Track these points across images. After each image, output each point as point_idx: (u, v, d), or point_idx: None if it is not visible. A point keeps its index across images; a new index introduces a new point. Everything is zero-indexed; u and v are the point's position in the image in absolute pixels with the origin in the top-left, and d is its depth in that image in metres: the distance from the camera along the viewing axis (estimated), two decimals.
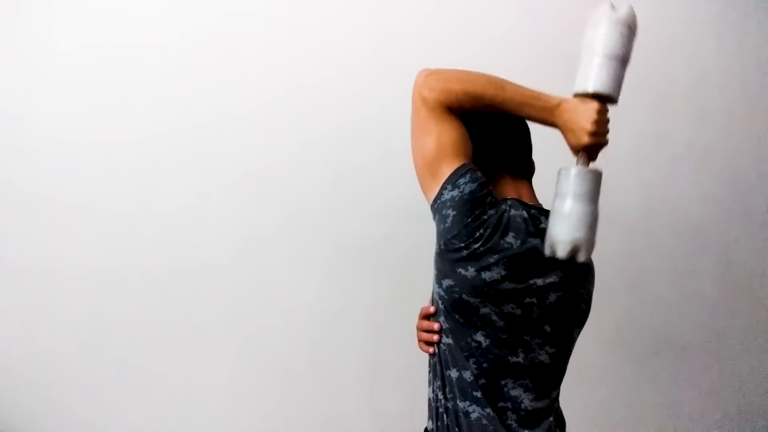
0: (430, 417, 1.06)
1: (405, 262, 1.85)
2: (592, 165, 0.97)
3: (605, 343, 2.01)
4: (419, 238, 1.85)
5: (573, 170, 0.93)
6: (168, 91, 1.72)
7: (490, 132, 1.08)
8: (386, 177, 1.84)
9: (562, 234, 0.91)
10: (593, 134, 0.93)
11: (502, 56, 1.90)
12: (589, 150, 0.95)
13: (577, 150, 0.96)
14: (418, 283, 1.84)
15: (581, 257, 0.91)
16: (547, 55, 1.98)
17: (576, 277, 1.03)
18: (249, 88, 1.77)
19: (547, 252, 0.93)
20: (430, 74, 1.01)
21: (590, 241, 0.92)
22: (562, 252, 0.90)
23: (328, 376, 1.81)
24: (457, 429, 0.97)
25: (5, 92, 1.64)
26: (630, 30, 0.95)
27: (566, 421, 1.10)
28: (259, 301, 1.77)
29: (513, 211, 0.98)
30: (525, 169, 1.10)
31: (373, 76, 1.84)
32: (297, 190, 1.79)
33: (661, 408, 2.09)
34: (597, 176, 0.93)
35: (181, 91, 1.73)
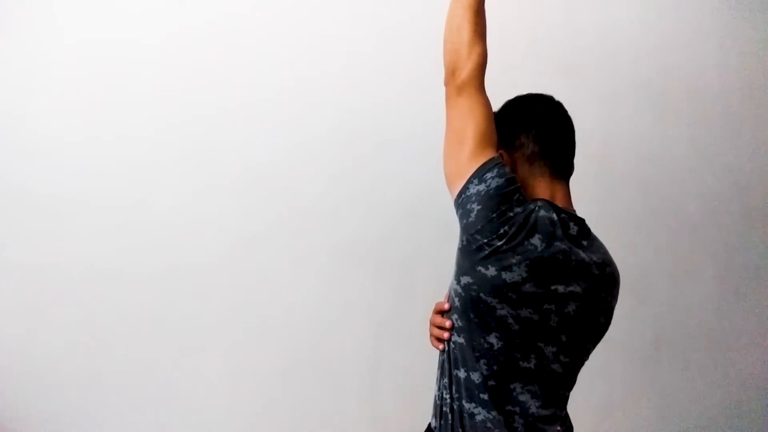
0: (434, 415, 1.04)
1: (405, 261, 1.85)
2: None
3: (605, 343, 1.99)
4: (419, 238, 1.85)
5: None
6: (165, 88, 1.71)
7: (542, 120, 1.05)
8: (386, 177, 1.84)
9: None
10: None
11: (500, 50, 1.89)
12: None
13: None
14: (418, 283, 1.84)
15: None
16: (544, 53, 1.98)
17: (599, 289, 0.99)
18: (248, 85, 1.77)
19: None
20: (450, 72, 1.03)
21: None
22: None
23: (328, 375, 1.80)
24: (461, 429, 0.96)
25: (5, 89, 1.63)
26: None
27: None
28: (259, 301, 1.76)
29: (542, 213, 0.94)
30: (566, 168, 1.06)
31: (373, 74, 1.84)
32: (297, 190, 1.79)
33: (661, 408, 2.09)
34: None
35: (178, 89, 1.72)
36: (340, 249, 1.81)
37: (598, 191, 2.02)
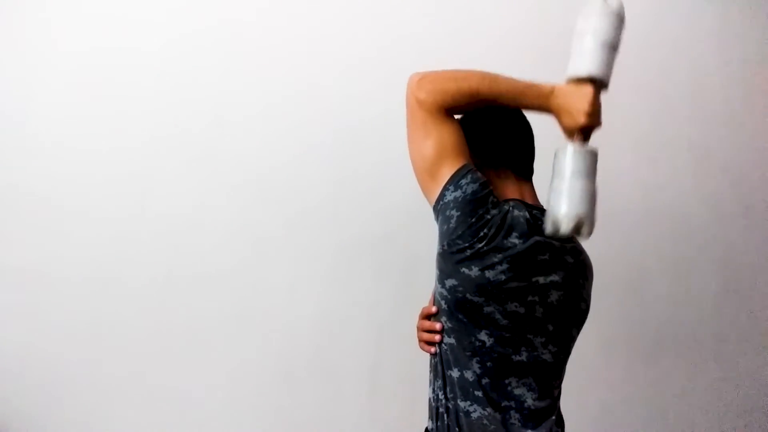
0: (430, 417, 1.06)
1: (405, 262, 1.85)
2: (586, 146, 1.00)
3: (605, 343, 2.01)
4: (419, 239, 1.85)
5: (570, 148, 0.96)
6: (168, 94, 1.72)
7: (501, 129, 1.09)
8: (387, 178, 1.84)
9: (564, 209, 0.92)
10: (590, 114, 0.97)
11: (502, 58, 1.90)
12: (585, 131, 0.99)
13: (573, 132, 0.99)
14: (419, 283, 1.84)
15: (584, 233, 0.93)
16: (547, 57, 1.98)
17: (576, 276, 1.04)
18: (249, 90, 1.77)
19: (548, 230, 0.94)
20: (423, 77, 1.03)
21: (592, 217, 0.94)
22: (565, 227, 0.92)
23: (329, 376, 1.81)
24: (457, 429, 0.97)
25: (4, 94, 1.64)
26: (620, 20, 1.00)
27: (566, 421, 1.11)
28: (260, 303, 1.77)
29: (516, 212, 0.99)
30: (528, 170, 1.12)
31: (374, 77, 1.84)
32: (297, 191, 1.79)
33: (661, 407, 2.09)
34: (594, 154, 0.97)
35: (180, 94, 1.73)
36: (341, 250, 1.82)
37: (597, 191, 2.02)
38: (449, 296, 0.98)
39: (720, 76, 2.16)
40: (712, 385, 2.13)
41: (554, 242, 1.01)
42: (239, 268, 1.76)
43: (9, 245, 1.63)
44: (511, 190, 1.06)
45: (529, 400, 0.98)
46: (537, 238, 0.98)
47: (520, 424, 0.97)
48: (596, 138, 2.14)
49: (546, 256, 0.99)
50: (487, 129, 1.09)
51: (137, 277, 1.69)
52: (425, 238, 1.86)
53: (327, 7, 1.82)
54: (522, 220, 0.98)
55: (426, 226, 1.85)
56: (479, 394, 0.96)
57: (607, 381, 2.03)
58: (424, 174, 1.02)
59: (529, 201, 1.06)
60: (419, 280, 1.84)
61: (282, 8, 1.80)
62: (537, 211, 1.03)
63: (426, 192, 1.04)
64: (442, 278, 1.00)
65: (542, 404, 1.00)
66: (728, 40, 2.17)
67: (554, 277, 1.00)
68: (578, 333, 1.08)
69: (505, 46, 1.93)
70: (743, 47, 2.19)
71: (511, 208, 0.99)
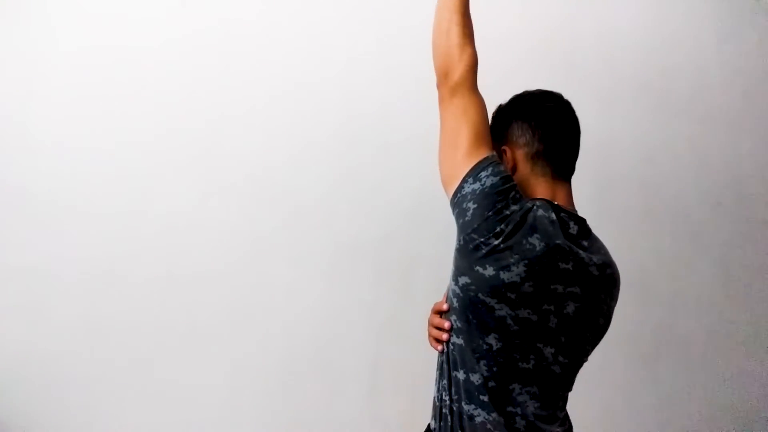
0: (433, 416, 1.04)
1: (405, 262, 1.85)
2: None
3: (605, 343, 1.99)
4: (419, 239, 1.85)
5: None
6: (166, 93, 1.72)
7: (548, 123, 1.02)
8: (386, 177, 1.84)
9: None
10: None
11: (502, 51, 1.90)
12: None
13: None
14: (418, 283, 1.84)
15: None
16: (544, 53, 1.98)
17: (599, 291, 0.98)
18: (248, 89, 1.77)
19: None
20: (440, 75, 1.02)
21: None
22: None
23: (329, 376, 1.81)
24: (460, 431, 0.96)
25: (5, 94, 1.63)
26: None
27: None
28: (259, 302, 1.76)
29: (540, 212, 0.93)
30: (567, 169, 1.04)
31: (373, 77, 1.84)
32: (297, 191, 1.79)
33: (662, 408, 2.09)
34: None
35: (179, 94, 1.72)
36: (340, 250, 1.82)
37: (598, 191, 2.02)
38: (462, 295, 0.95)
39: (720, 76, 2.16)
40: (712, 385, 2.14)
41: (580, 252, 0.95)
42: (239, 267, 1.75)
43: (9, 245, 1.63)
44: (542, 188, 1.00)
45: (532, 408, 0.95)
46: (560, 243, 0.92)
47: (524, 431, 0.94)
48: (596, 138, 2.14)
49: (569, 266, 0.93)
50: (535, 116, 1.02)
51: (137, 277, 1.69)
52: (425, 237, 1.86)
53: (325, 6, 1.82)
54: (546, 221, 0.92)
55: (426, 226, 1.86)
56: (485, 398, 0.94)
57: (606, 381, 2.03)
58: (450, 167, 0.98)
59: (561, 202, 0.99)
60: (419, 281, 1.84)
61: (280, 7, 1.80)
62: (565, 214, 0.97)
63: (446, 184, 1.00)
64: (456, 275, 0.96)
65: (544, 413, 0.96)
66: (728, 40, 2.18)
67: (574, 289, 0.94)
68: (593, 348, 1.02)
69: (504, 44, 1.93)
70: (743, 47, 2.19)
71: (535, 207, 0.93)
